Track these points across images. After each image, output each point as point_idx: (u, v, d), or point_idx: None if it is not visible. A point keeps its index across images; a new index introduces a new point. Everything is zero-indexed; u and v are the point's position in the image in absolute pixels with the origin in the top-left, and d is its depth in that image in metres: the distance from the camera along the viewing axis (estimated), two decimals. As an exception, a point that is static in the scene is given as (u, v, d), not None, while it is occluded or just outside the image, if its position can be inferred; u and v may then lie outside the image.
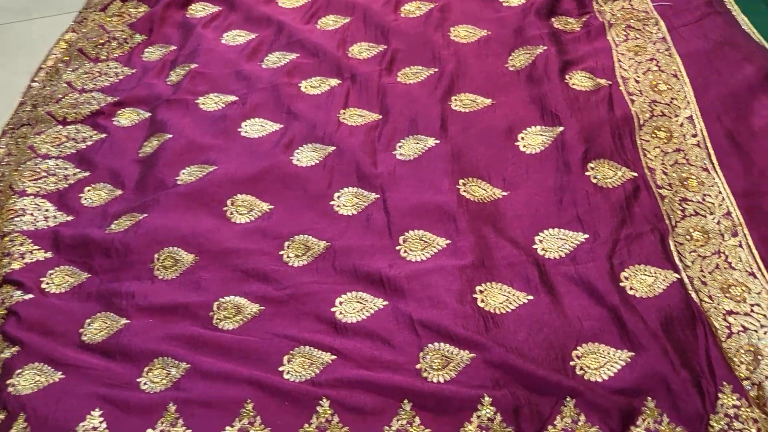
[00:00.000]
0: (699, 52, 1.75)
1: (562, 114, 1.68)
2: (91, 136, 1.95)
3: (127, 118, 2.00)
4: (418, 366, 1.30)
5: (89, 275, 1.58)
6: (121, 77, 2.16)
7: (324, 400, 1.27)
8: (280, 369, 1.33)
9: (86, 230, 1.67)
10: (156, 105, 2.01)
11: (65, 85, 2.13)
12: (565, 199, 1.52)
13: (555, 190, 1.55)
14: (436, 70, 1.93)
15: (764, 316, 1.25)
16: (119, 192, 1.78)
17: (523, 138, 1.67)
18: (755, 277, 1.31)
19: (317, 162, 1.73)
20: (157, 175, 1.77)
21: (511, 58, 1.92)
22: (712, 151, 1.54)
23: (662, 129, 1.61)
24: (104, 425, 1.29)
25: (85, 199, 1.77)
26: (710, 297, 1.30)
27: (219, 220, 1.63)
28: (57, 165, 1.86)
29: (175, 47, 2.23)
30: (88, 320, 1.48)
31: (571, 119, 1.67)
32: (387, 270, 1.45)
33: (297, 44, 2.11)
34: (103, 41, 2.27)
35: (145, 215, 1.65)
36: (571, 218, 1.49)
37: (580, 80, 1.76)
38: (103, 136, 1.95)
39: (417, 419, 1.23)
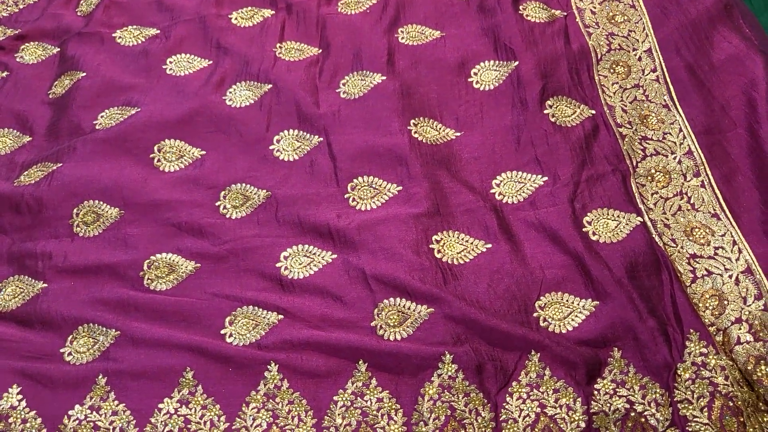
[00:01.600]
0: (656, -21, 1.65)
1: (517, 47, 1.57)
2: (-10, 75, 1.73)
3: (31, 53, 1.77)
4: (372, 323, 1.21)
5: (-3, 234, 1.41)
6: (21, 6, 1.90)
7: (272, 364, 1.17)
8: (222, 332, 1.22)
9: (-9, 183, 1.48)
10: (65, 39, 1.78)
11: (-44, 14, 1.87)
12: (522, 139, 1.43)
13: (512, 130, 1.45)
14: (379, -1, 1.78)
15: (728, 259, 1.21)
16: (27, 138, 1.59)
17: (476, 74, 1.56)
18: (718, 218, 1.27)
19: (253, 102, 1.57)
20: (71, 118, 1.58)
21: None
22: (671, 87, 1.47)
23: (620, 63, 1.53)
24: (24, 403, 1.17)
25: (-12, 147, 1.57)
26: (673, 240, 1.25)
27: (145, 168, 1.47)
28: (-49, 108, 1.63)
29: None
30: (-1, 285, 1.33)
31: (526, 53, 1.56)
32: (335, 221, 1.33)
33: None
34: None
35: (60, 165, 1.47)
36: (530, 159, 1.40)
37: (534, 11, 1.64)
38: (5, 74, 1.73)
39: (374, 380, 1.15)
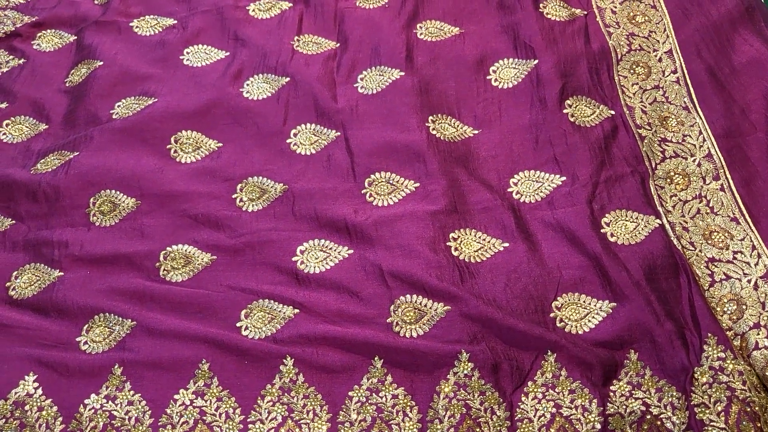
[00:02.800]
0: (678, -20, 1.64)
1: (537, 46, 1.56)
2: (7, 62, 1.72)
3: (48, 41, 1.77)
4: (389, 320, 1.21)
5: (14, 222, 1.42)
6: (39, -7, 1.90)
7: (288, 358, 1.17)
8: (238, 325, 1.22)
9: (8, 170, 1.48)
10: (82, 27, 1.78)
11: (-27, 0, 1.86)
12: (541, 138, 1.42)
13: (530, 129, 1.44)
14: (398, -6, 1.77)
15: (747, 263, 1.21)
16: (44, 126, 1.59)
17: (494, 71, 1.55)
18: (738, 222, 1.26)
19: (270, 95, 1.57)
20: (88, 107, 1.59)
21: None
22: (692, 89, 1.46)
23: (640, 64, 1.52)
24: (40, 391, 1.17)
25: (5, 134, 1.57)
26: (692, 243, 1.25)
27: (162, 159, 1.47)
28: (-31, 94, 1.64)
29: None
30: (15, 273, 1.34)
31: (545, 52, 1.55)
32: (352, 216, 1.33)
33: None
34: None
35: (77, 153, 1.47)
36: (548, 159, 1.40)
37: (554, 9, 1.63)
38: (22, 61, 1.72)
39: (389, 377, 1.15)
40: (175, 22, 1.77)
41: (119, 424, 1.12)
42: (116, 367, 1.18)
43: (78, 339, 1.23)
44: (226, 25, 1.74)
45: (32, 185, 1.43)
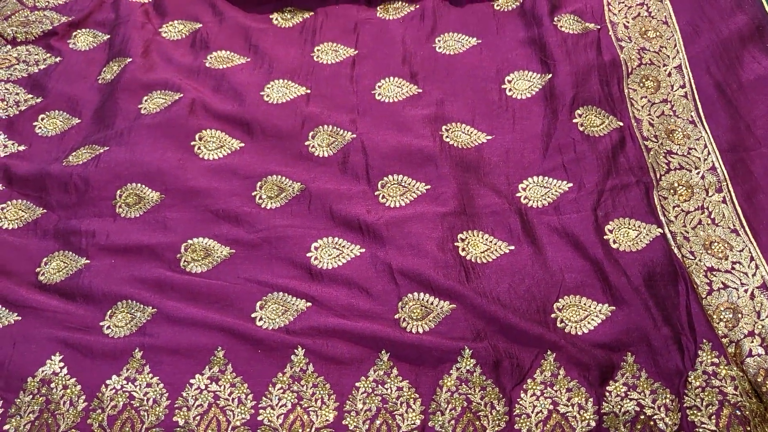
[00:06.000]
0: (691, -3, 1.69)
1: (551, 58, 1.61)
2: (44, 59, 1.81)
3: (83, 40, 1.86)
4: (396, 316, 1.26)
5: (45, 211, 1.49)
6: (77, -5, 1.99)
7: (299, 349, 1.23)
8: (253, 315, 1.28)
9: (41, 162, 1.56)
10: (115, 26, 1.87)
11: (15, 0, 1.95)
12: (551, 146, 1.48)
13: (541, 137, 1.50)
14: (417, 6, 1.83)
15: (745, 274, 1.25)
16: (76, 121, 1.67)
17: (510, 81, 1.61)
18: (737, 234, 1.30)
19: (289, 99, 1.63)
20: (117, 102, 1.66)
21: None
22: (699, 104, 1.50)
23: (650, 78, 1.56)
24: (65, 370, 1.24)
25: (40, 128, 1.66)
26: (692, 253, 1.29)
27: (186, 155, 1.55)
28: (6, 89, 1.72)
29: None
30: (45, 259, 1.41)
31: (560, 63, 1.60)
32: (365, 216, 1.39)
33: None
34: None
35: (107, 148, 1.55)
36: (556, 166, 1.45)
37: (568, 23, 1.68)
38: (58, 59, 1.81)
39: (395, 370, 1.21)
40: (200, 26, 1.84)
41: (138, 405, 1.19)
42: (136, 351, 1.25)
43: (102, 323, 1.29)
44: (249, 33, 1.81)
45: (64, 177, 1.50)
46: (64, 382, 1.22)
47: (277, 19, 1.85)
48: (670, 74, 1.57)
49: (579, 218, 1.35)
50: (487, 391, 1.17)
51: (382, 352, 1.22)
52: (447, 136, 1.52)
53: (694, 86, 1.53)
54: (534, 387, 1.17)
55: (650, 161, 1.43)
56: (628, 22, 1.68)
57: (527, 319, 1.23)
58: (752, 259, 1.26)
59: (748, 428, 1.09)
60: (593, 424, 1.13)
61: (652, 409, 1.12)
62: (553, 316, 1.24)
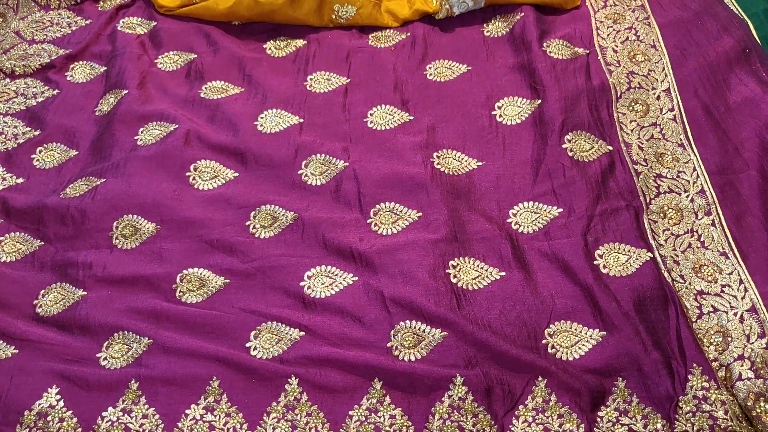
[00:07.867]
0: (678, 21, 1.70)
1: (540, 84, 1.63)
2: (42, 92, 1.84)
3: (81, 72, 1.89)
4: (389, 344, 1.27)
5: (42, 243, 1.51)
6: (74, 28, 2.02)
7: (293, 378, 1.24)
8: (247, 345, 1.29)
9: (39, 195, 1.58)
10: (111, 58, 1.90)
11: (13, 34, 1.99)
12: (541, 171, 1.49)
13: (531, 162, 1.51)
14: (408, 34, 1.86)
15: (734, 297, 1.26)
16: (74, 152, 1.69)
17: (500, 107, 1.63)
18: (727, 257, 1.31)
19: (282, 129, 1.65)
20: (113, 134, 1.68)
21: (487, 24, 1.84)
22: (688, 127, 1.52)
23: (639, 102, 1.58)
24: (62, 403, 1.25)
25: (38, 160, 1.68)
26: (682, 276, 1.30)
27: (181, 186, 1.56)
28: (5, 123, 1.75)
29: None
30: (42, 291, 1.42)
31: (549, 89, 1.62)
32: (358, 244, 1.40)
33: None
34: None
35: (103, 180, 1.57)
36: (546, 191, 1.46)
37: (557, 48, 1.70)
38: (56, 92, 1.84)
39: (387, 398, 1.22)
40: (195, 56, 1.87)
41: (134, 436, 1.20)
42: (132, 382, 1.26)
43: (98, 355, 1.31)
44: (243, 63, 1.84)
45: (61, 209, 1.52)
46: (60, 415, 1.23)
47: (270, 48, 1.88)
48: (659, 97, 1.59)
49: (569, 243, 1.37)
50: (479, 418, 1.18)
51: (375, 380, 1.23)
52: (438, 163, 1.54)
53: (682, 109, 1.55)
54: (526, 413, 1.18)
55: (640, 185, 1.44)
56: (617, 47, 1.70)
57: (518, 346, 1.24)
58: (741, 281, 1.27)
59: (740, 453, 1.09)
60: (585, 450, 1.13)
61: (644, 435, 1.13)
62: (544, 342, 1.25)
